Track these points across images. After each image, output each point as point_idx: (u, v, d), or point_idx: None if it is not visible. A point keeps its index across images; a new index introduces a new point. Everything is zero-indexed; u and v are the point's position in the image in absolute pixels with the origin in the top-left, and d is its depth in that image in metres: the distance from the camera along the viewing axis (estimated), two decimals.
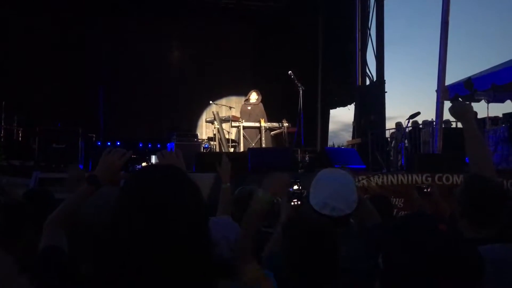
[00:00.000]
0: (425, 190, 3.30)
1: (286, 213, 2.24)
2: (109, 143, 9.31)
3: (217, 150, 8.87)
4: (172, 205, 1.05)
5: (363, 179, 5.86)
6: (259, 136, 8.88)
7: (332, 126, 15.19)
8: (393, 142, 10.70)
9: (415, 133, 9.75)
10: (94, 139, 8.11)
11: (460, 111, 2.52)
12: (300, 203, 2.25)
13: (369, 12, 11.09)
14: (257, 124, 8.91)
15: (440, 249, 1.05)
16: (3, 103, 8.37)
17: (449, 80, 8.92)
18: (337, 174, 2.13)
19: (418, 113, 8.02)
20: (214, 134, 9.17)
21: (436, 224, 1.10)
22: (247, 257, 1.76)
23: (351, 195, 2.04)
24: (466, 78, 9.76)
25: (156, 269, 1.01)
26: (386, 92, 10.87)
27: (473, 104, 9.74)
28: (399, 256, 1.08)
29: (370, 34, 11.06)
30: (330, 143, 14.18)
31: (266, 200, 1.89)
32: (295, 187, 2.30)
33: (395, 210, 5.34)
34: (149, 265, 1.01)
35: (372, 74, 11.06)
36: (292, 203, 2.26)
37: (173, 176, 1.13)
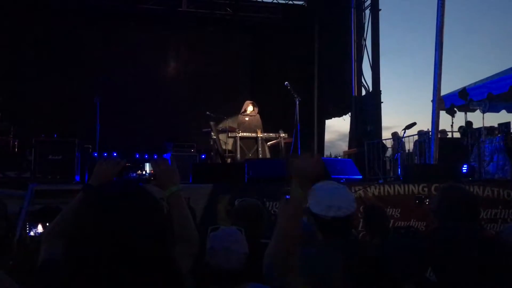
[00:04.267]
0: (425, 201, 3.35)
1: (284, 217, 2.23)
2: (105, 154, 9.28)
3: (214, 161, 8.86)
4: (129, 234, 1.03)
5: (359, 189, 5.85)
6: (256, 147, 8.88)
7: (329, 136, 15.21)
8: (390, 152, 10.72)
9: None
10: (90, 150, 8.06)
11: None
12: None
13: (364, 23, 11.19)
14: (253, 135, 8.92)
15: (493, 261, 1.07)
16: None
17: (444, 90, 8.96)
18: (330, 183, 2.19)
19: (414, 124, 8.06)
20: (211, 145, 9.17)
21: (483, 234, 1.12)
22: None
23: (349, 195, 2.12)
24: (461, 88, 9.82)
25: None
26: (382, 102, 10.94)
27: (468, 113, 9.82)
28: (452, 270, 1.09)
29: (365, 45, 11.15)
30: (327, 153, 14.20)
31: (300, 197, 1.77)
32: None
33: (392, 221, 5.34)
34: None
35: (368, 84, 11.12)
36: None
37: (133, 201, 1.09)
